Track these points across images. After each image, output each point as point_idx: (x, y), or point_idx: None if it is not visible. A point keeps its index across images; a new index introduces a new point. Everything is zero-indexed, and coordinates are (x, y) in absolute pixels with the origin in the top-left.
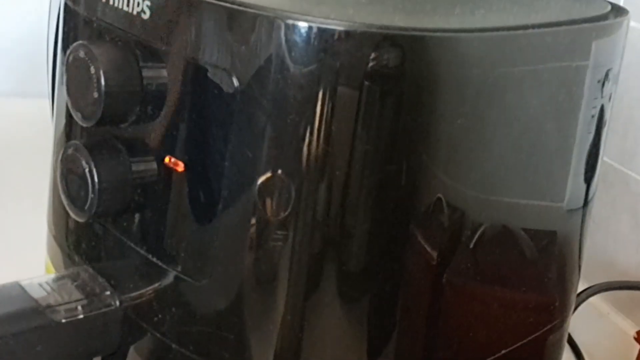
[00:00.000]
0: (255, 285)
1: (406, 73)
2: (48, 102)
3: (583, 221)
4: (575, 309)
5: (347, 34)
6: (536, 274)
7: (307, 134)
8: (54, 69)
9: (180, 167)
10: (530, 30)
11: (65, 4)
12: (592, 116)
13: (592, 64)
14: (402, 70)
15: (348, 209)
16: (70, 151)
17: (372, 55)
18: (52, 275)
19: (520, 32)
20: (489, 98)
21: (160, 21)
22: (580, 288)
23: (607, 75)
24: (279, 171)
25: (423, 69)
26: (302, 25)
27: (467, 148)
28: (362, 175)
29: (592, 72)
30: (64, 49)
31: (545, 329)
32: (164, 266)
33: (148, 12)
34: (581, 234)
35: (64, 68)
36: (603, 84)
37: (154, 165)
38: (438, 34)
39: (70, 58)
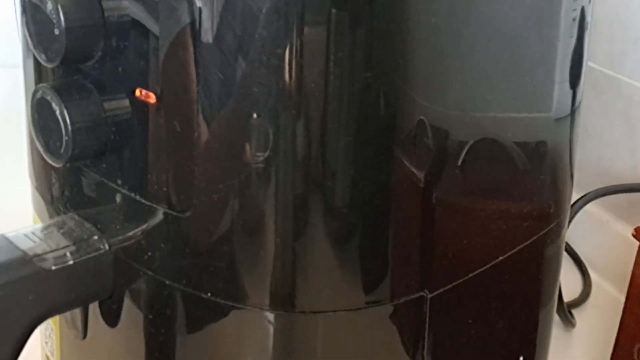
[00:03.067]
0: (241, 216)
1: None
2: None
3: (572, 128)
4: (572, 217)
5: None
6: (527, 184)
7: (278, 69)
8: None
9: (152, 98)
10: None
11: None
12: (573, 19)
13: None
14: None
15: (328, 143)
16: (39, 95)
17: None
18: (38, 225)
19: None
20: (464, 9)
21: None
22: (576, 197)
23: None
24: (254, 104)
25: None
26: None
27: (444, 64)
28: (339, 108)
29: None
30: None
31: (540, 234)
32: (148, 203)
33: None
34: (571, 141)
35: (21, 9)
36: None
37: (126, 101)
38: None
39: None
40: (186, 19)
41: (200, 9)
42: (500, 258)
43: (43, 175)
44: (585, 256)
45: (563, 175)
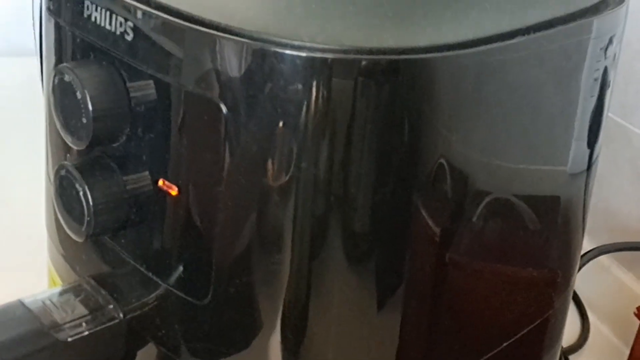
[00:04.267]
0: (260, 308)
1: (400, 86)
2: (36, 60)
3: (587, 184)
4: (580, 268)
5: (336, 61)
6: (540, 241)
7: (297, 158)
8: (40, 27)
9: (174, 190)
10: (526, 37)
11: (47, 14)
12: (595, 79)
13: (595, 35)
14: (395, 86)
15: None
16: (63, 172)
17: (361, 79)
18: (55, 290)
19: (515, 40)
20: (489, 71)
21: (144, 44)
22: (585, 244)
23: (610, 40)
24: (274, 198)
25: (417, 85)
26: (289, 53)
27: (469, 113)
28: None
29: (595, 42)
30: (48, 58)
31: (550, 292)
32: (165, 285)
33: (131, 34)
34: (585, 197)
35: (50, 88)
36: (606, 49)
37: (149, 183)
38: (431, 54)
39: (56, 80)
40: (210, 120)
41: (224, 114)
42: (509, 317)
43: (61, 235)
44: (586, 300)
45: (575, 233)
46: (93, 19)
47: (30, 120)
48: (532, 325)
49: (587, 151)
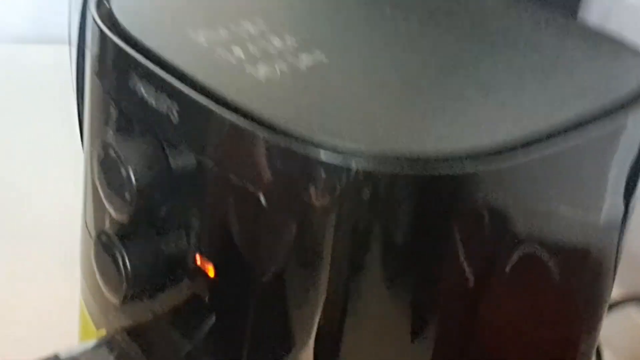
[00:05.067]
0: None
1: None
2: (68, 48)
3: (621, 236)
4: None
5: (391, 178)
6: (569, 292)
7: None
8: (83, 19)
9: (211, 272)
10: (558, 146)
11: (92, 76)
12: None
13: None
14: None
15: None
16: (103, 239)
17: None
18: (90, 343)
19: (548, 147)
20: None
21: (189, 129)
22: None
23: None
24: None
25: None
26: (330, 161)
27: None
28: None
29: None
30: (92, 118)
31: (574, 342)
32: (199, 354)
33: (177, 117)
34: (618, 249)
35: (96, 160)
36: None
37: (187, 255)
38: (480, 168)
39: (101, 154)
40: (249, 211)
41: (263, 207)
42: None
43: (95, 285)
44: (605, 343)
45: (606, 284)
46: (139, 93)
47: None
48: None
49: (623, 204)
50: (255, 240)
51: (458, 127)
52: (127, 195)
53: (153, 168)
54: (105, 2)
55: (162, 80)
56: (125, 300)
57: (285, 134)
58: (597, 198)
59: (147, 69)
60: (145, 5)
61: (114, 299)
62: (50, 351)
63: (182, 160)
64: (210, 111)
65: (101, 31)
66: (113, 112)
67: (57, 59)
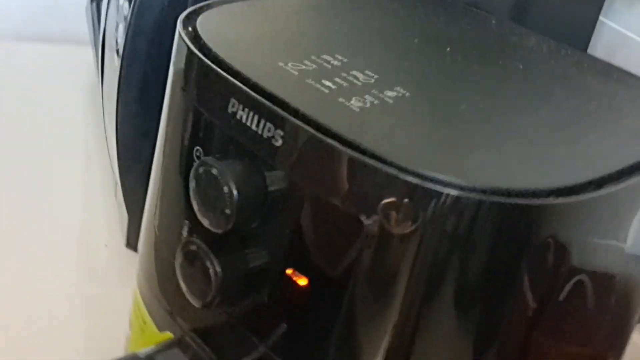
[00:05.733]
0: None
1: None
2: (92, 50)
3: None
4: None
5: (478, 206)
6: (606, 321)
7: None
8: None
9: (304, 281)
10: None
11: (181, 95)
12: None
13: None
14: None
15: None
16: (192, 247)
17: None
18: (162, 344)
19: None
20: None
21: (292, 154)
22: None
23: None
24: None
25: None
26: (437, 190)
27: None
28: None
29: None
30: (175, 135)
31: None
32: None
33: (280, 141)
34: None
35: (192, 175)
36: None
37: (276, 268)
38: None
39: (201, 170)
40: (353, 239)
41: (369, 236)
42: None
43: (166, 288)
44: None
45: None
46: (238, 117)
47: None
48: None
49: None
50: (344, 259)
51: (538, 163)
52: (227, 210)
53: (252, 187)
54: (192, 20)
55: (266, 107)
56: (211, 305)
57: (385, 162)
58: (629, 230)
59: (252, 97)
60: (227, 27)
61: (197, 303)
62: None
63: (277, 181)
64: (313, 138)
65: (191, 51)
66: (208, 131)
67: (55, 56)
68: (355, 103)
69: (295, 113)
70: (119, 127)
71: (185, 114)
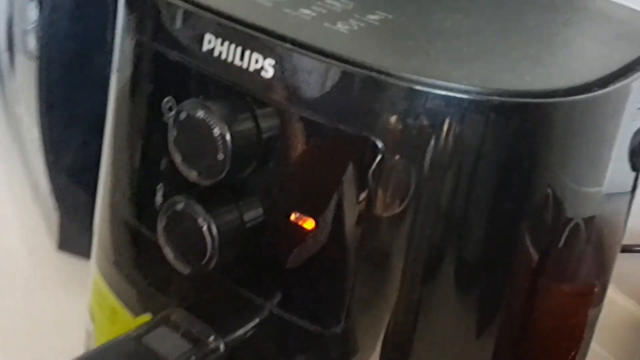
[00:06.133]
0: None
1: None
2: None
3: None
4: None
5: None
6: (592, 259)
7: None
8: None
9: (310, 223)
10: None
11: (136, 38)
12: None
13: None
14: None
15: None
16: (180, 207)
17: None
18: (147, 324)
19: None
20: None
21: (288, 82)
22: None
23: None
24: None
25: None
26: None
27: (575, 150)
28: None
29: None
30: (135, 85)
31: (591, 307)
32: (287, 315)
33: (271, 72)
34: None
35: (173, 123)
36: None
37: (277, 215)
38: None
39: (183, 116)
40: (360, 161)
41: (380, 150)
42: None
43: (143, 267)
44: None
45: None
46: (217, 53)
47: None
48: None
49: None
50: (362, 185)
51: (542, 68)
52: (219, 155)
53: (244, 126)
54: None
55: (253, 37)
56: (208, 266)
57: (395, 76)
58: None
59: (233, 29)
60: None
61: (188, 269)
62: None
63: (269, 117)
64: (312, 62)
65: None
66: (179, 76)
67: None
68: (342, 27)
69: (284, 39)
70: (42, 118)
71: (148, 64)
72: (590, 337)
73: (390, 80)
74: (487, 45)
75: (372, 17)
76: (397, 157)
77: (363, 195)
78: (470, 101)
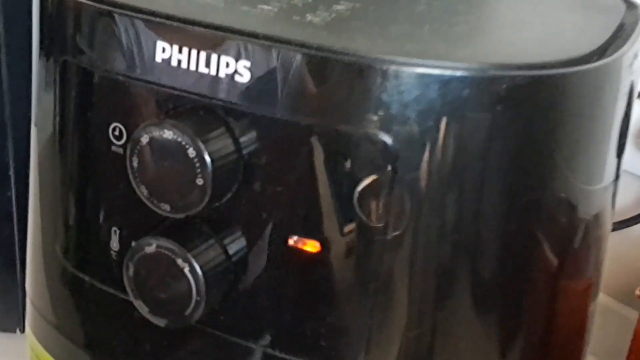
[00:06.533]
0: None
1: (537, 104)
2: None
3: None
4: None
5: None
6: (592, 256)
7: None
8: None
9: (316, 247)
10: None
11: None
12: (625, 93)
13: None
14: (532, 102)
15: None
16: (151, 249)
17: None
18: None
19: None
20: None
21: (270, 85)
22: None
23: (636, 56)
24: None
25: (551, 98)
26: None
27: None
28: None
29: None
30: (70, 116)
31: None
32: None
33: (247, 74)
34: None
35: (131, 151)
36: (632, 65)
37: (264, 246)
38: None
39: (144, 140)
40: (371, 161)
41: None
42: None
43: (85, 316)
44: None
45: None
46: (174, 62)
47: None
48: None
49: (616, 162)
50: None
51: (535, 41)
52: (198, 180)
53: (224, 147)
54: None
55: (217, 39)
56: (193, 316)
57: (396, 62)
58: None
59: (194, 33)
60: None
61: (175, 322)
62: None
63: (249, 131)
64: (297, 57)
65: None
66: (127, 97)
67: None
68: (313, 18)
69: (257, 36)
70: None
71: (80, 87)
72: (592, 330)
73: (394, 67)
74: (473, 25)
75: (338, 7)
76: (407, 153)
77: (373, 207)
78: (486, 78)
